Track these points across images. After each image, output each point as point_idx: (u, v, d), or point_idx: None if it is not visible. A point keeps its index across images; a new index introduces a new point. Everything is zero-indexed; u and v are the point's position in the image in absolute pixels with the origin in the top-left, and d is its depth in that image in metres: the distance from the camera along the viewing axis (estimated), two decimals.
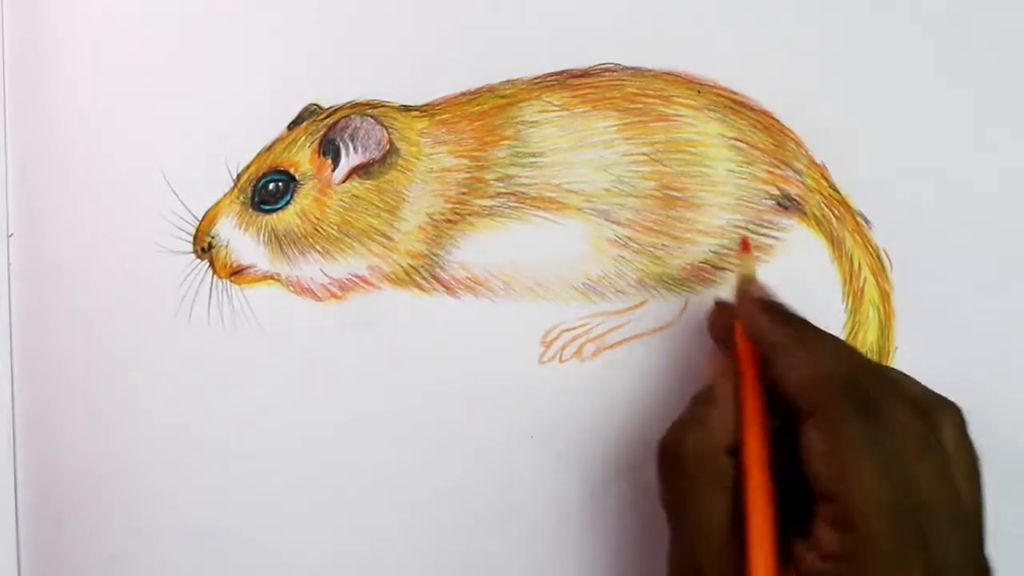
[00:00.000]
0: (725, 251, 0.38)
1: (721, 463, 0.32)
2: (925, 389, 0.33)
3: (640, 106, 0.38)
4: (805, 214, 0.38)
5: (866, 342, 0.38)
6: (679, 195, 0.38)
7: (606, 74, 0.38)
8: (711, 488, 0.32)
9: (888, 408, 0.31)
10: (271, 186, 0.38)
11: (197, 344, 0.38)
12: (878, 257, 0.38)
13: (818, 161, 0.38)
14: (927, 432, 0.31)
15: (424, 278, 0.38)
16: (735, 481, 0.32)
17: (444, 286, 0.38)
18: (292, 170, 0.38)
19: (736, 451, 0.32)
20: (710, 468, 0.32)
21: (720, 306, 0.36)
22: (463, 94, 0.38)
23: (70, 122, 0.39)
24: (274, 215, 0.38)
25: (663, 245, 0.38)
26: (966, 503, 0.32)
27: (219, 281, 0.38)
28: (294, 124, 0.38)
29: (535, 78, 0.38)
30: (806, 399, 0.31)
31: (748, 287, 0.35)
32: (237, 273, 0.38)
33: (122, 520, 0.39)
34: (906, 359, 0.38)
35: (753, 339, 0.33)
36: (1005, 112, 0.39)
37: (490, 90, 0.38)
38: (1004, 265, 0.39)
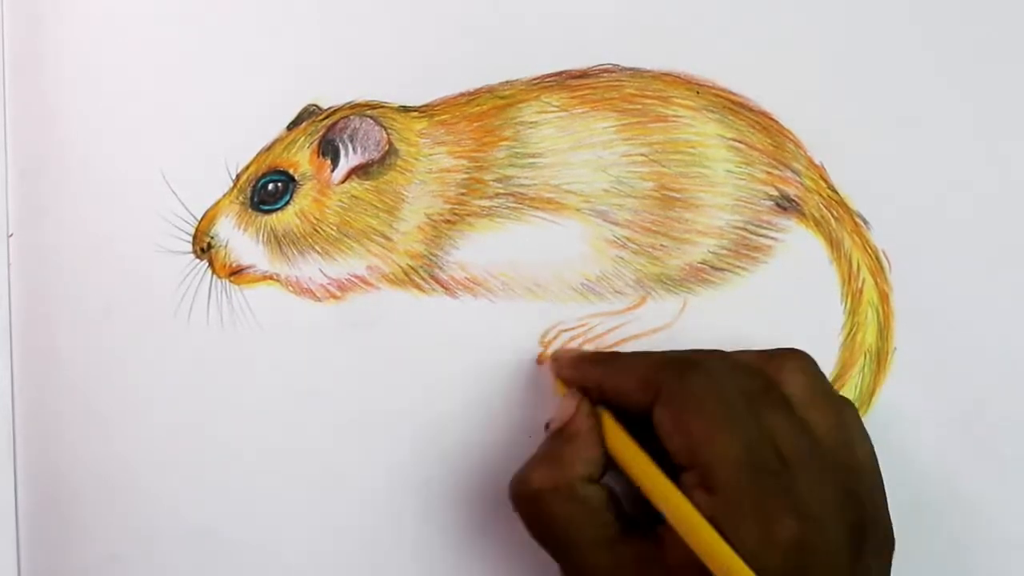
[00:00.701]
0: (724, 252, 0.38)
1: (580, 490, 0.33)
2: (759, 352, 0.34)
3: (639, 107, 0.38)
4: (804, 215, 0.38)
5: (865, 343, 0.38)
6: (678, 196, 0.38)
7: (605, 75, 0.38)
8: (583, 513, 0.32)
9: (720, 371, 0.32)
10: (270, 186, 0.38)
11: (196, 344, 0.38)
12: (877, 258, 0.38)
13: (817, 162, 0.38)
14: (766, 384, 0.32)
15: (423, 278, 0.38)
16: (607, 503, 0.33)
17: (443, 286, 0.38)
18: (291, 170, 0.38)
19: (596, 476, 0.33)
20: (573, 497, 0.33)
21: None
22: (462, 95, 0.38)
23: (70, 122, 0.39)
24: (273, 215, 0.38)
25: (662, 246, 0.38)
26: (827, 443, 0.32)
27: (218, 281, 0.38)
28: (293, 124, 0.38)
29: (534, 79, 0.38)
30: (644, 394, 0.32)
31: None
32: (236, 273, 0.38)
33: (122, 520, 0.39)
34: (906, 359, 0.38)
35: (584, 385, 0.35)
36: (1005, 112, 0.39)
37: (489, 91, 0.38)
38: (1004, 265, 0.39)
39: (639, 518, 0.33)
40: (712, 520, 0.30)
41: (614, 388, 0.34)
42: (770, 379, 0.33)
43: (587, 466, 0.33)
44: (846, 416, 0.33)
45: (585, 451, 0.33)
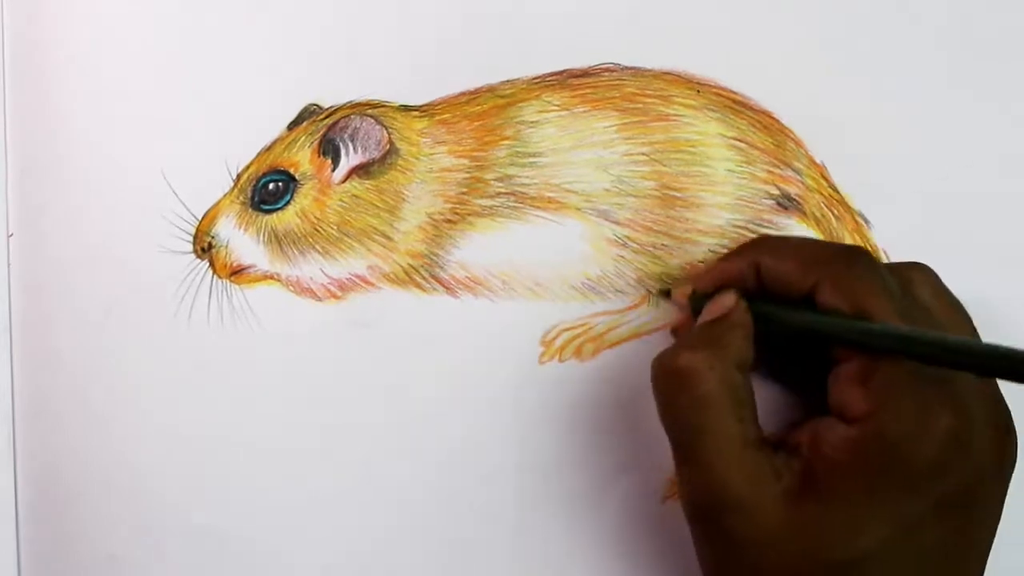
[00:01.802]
0: (725, 251, 0.38)
1: (735, 377, 0.32)
2: (887, 263, 0.35)
3: (640, 106, 0.38)
4: (805, 214, 0.38)
5: None
6: (679, 195, 0.38)
7: (606, 74, 0.38)
8: (731, 401, 0.31)
9: (878, 266, 0.33)
10: (271, 186, 0.38)
11: (197, 344, 0.38)
12: (877, 257, 0.38)
13: (818, 161, 0.38)
14: (906, 288, 0.33)
15: (424, 278, 0.38)
16: (751, 401, 0.32)
17: (444, 286, 0.38)
18: (292, 170, 0.38)
19: (747, 371, 0.32)
20: (727, 380, 0.31)
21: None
22: (463, 94, 0.38)
23: (70, 122, 0.39)
24: (274, 215, 0.38)
25: (663, 245, 0.38)
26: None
27: (219, 281, 0.38)
28: (294, 124, 0.38)
29: (535, 78, 0.38)
30: (807, 276, 0.32)
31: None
32: (237, 273, 0.38)
33: (122, 520, 0.39)
34: None
35: (740, 271, 0.34)
36: (1005, 112, 0.39)
37: (490, 90, 0.38)
38: (1004, 265, 0.39)
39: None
40: (866, 415, 0.30)
41: (774, 268, 0.33)
42: (908, 282, 0.33)
43: (741, 355, 0.32)
44: (972, 328, 0.34)
45: (743, 340, 0.33)
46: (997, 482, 0.32)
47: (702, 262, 0.38)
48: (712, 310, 0.34)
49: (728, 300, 0.34)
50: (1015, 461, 0.33)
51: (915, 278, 0.34)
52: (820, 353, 0.33)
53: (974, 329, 0.34)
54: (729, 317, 0.33)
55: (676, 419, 0.32)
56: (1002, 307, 0.39)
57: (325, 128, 0.38)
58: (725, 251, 0.38)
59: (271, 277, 0.38)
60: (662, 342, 0.38)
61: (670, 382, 0.32)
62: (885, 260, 0.38)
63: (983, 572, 0.32)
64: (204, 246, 0.38)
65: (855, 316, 0.31)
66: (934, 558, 0.30)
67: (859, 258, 0.33)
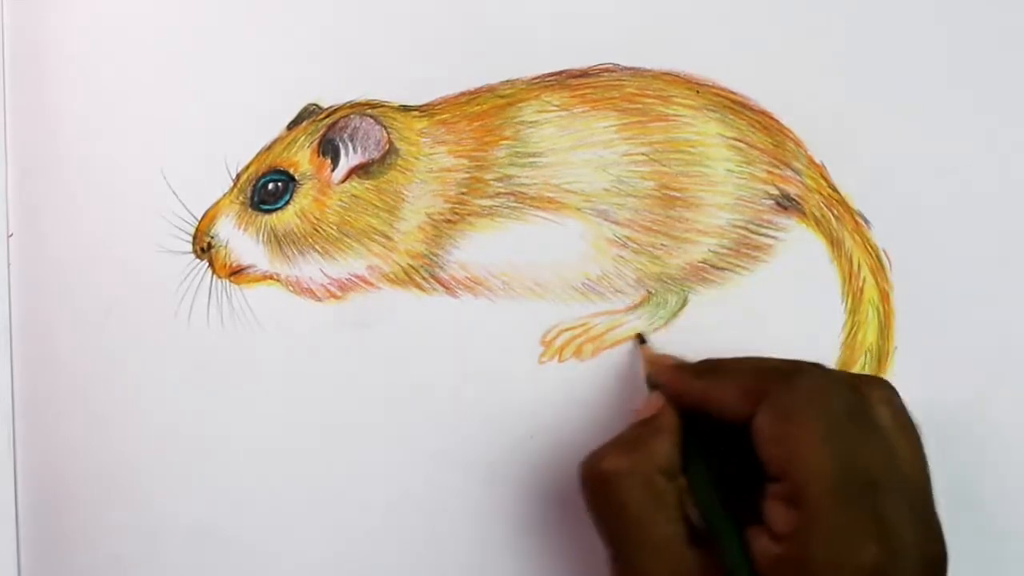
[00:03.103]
0: (725, 251, 0.38)
1: (659, 482, 0.32)
2: (850, 373, 0.35)
3: (639, 106, 0.38)
4: (804, 214, 0.38)
5: (865, 342, 0.38)
6: (678, 195, 0.38)
7: (605, 74, 0.38)
8: (655, 505, 0.32)
9: (823, 384, 0.32)
10: (270, 186, 0.38)
11: (197, 344, 0.38)
12: (877, 257, 0.38)
13: (817, 161, 0.38)
14: (862, 404, 0.32)
15: (423, 278, 0.38)
16: (679, 504, 0.32)
17: (444, 286, 0.38)
18: (291, 170, 0.38)
19: (673, 475, 0.32)
20: (650, 486, 0.32)
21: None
22: (462, 94, 0.38)
23: (70, 122, 0.39)
24: (273, 215, 0.38)
25: (662, 245, 0.38)
26: (910, 472, 0.32)
27: (219, 281, 0.38)
28: (293, 124, 0.39)
29: (534, 78, 0.38)
30: (746, 403, 0.32)
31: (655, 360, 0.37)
32: (237, 273, 0.38)
33: (122, 520, 0.39)
34: (906, 359, 0.38)
35: (681, 396, 0.34)
36: (1005, 112, 0.39)
37: (489, 90, 0.38)
38: (1004, 265, 0.39)
39: (704, 534, 0.32)
40: (791, 536, 0.30)
41: (717, 399, 0.33)
42: (865, 400, 0.32)
43: (667, 460, 0.32)
44: (922, 452, 0.33)
45: (668, 446, 0.33)
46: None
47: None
48: (644, 409, 0.35)
49: (657, 402, 0.34)
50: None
51: (874, 396, 0.33)
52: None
53: (923, 456, 0.33)
54: (655, 421, 0.34)
55: (602, 522, 0.32)
56: (1002, 307, 0.39)
57: (325, 128, 0.38)
58: (725, 251, 0.38)
59: (271, 277, 0.38)
60: (662, 342, 0.38)
61: (593, 486, 0.33)
62: (885, 261, 0.38)
63: None
64: (204, 246, 0.38)
65: (776, 455, 0.31)
66: None
67: (802, 377, 0.32)
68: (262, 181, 0.38)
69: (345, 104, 0.39)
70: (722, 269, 0.38)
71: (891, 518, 0.30)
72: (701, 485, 0.33)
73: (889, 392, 0.33)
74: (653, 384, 0.35)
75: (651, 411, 0.34)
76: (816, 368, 0.33)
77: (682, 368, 0.35)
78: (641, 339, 0.38)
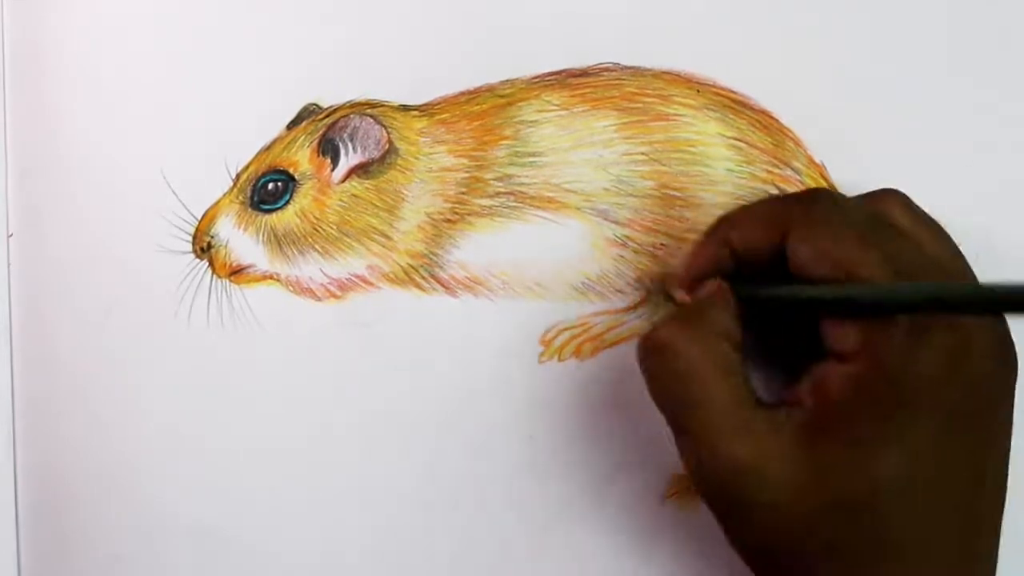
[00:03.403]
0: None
1: (721, 345, 0.31)
2: (858, 195, 0.34)
3: (639, 105, 0.38)
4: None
5: None
6: (678, 194, 0.38)
7: (605, 73, 0.38)
8: (719, 367, 0.31)
9: (843, 206, 0.32)
10: (270, 186, 0.38)
11: (196, 344, 0.38)
12: None
13: (817, 161, 0.38)
14: (875, 212, 0.33)
15: (423, 278, 0.38)
16: (741, 367, 0.32)
17: (443, 286, 0.38)
18: (291, 170, 0.38)
19: (736, 344, 0.32)
20: (712, 349, 0.31)
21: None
22: (462, 93, 0.38)
23: (70, 122, 0.39)
24: (273, 215, 0.38)
25: (662, 245, 0.38)
26: (950, 265, 0.33)
27: (218, 281, 0.38)
28: (293, 124, 0.39)
29: (534, 77, 0.38)
30: (774, 232, 0.32)
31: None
32: (236, 273, 0.38)
33: (122, 520, 0.39)
34: None
35: (716, 254, 0.34)
36: (1005, 112, 0.39)
37: (489, 89, 0.38)
38: (1004, 265, 0.39)
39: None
40: (859, 350, 0.30)
41: (742, 241, 0.33)
42: (880, 211, 0.33)
43: (725, 329, 0.32)
44: (952, 244, 0.34)
45: (725, 315, 0.32)
46: (1002, 397, 0.31)
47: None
48: (696, 296, 0.34)
49: (711, 286, 0.34)
50: (1016, 374, 0.32)
51: (887, 204, 0.33)
52: (812, 312, 0.32)
53: (955, 247, 0.34)
54: (710, 293, 0.33)
55: (663, 393, 0.32)
56: None
57: (324, 128, 0.38)
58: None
59: (270, 277, 0.38)
60: None
61: (652, 358, 0.32)
62: None
63: (1001, 502, 0.32)
64: (203, 246, 0.38)
65: (828, 270, 0.31)
66: (947, 483, 0.30)
67: (817, 201, 0.33)
68: (262, 181, 0.38)
69: (345, 104, 0.39)
70: None
71: (953, 304, 0.30)
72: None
73: (899, 198, 0.34)
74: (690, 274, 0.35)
75: (706, 290, 0.34)
76: (826, 191, 0.35)
77: (704, 237, 0.35)
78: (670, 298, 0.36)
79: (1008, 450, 0.32)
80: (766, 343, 0.35)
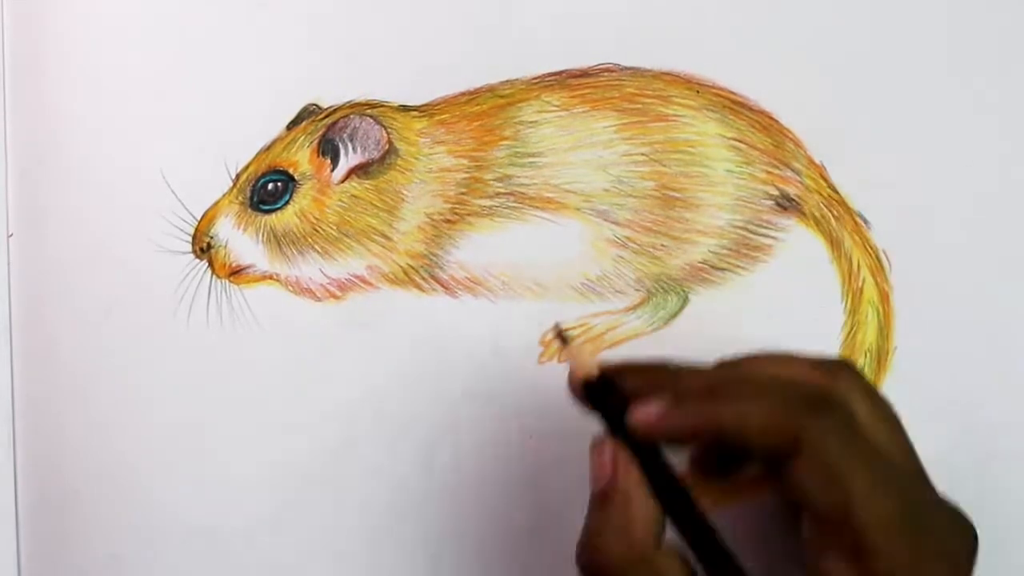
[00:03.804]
0: (724, 251, 0.38)
1: (656, 564, 0.29)
2: (812, 361, 0.31)
3: (639, 106, 0.38)
4: (804, 214, 0.38)
5: (865, 342, 0.38)
6: (678, 195, 0.38)
7: (605, 74, 0.38)
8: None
9: (850, 408, 0.29)
10: (270, 186, 0.38)
11: (196, 344, 0.38)
12: (877, 257, 0.38)
13: (817, 161, 0.38)
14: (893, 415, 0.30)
15: (423, 278, 0.38)
16: (681, 564, 0.29)
17: (443, 286, 0.38)
18: (291, 170, 0.38)
19: (662, 538, 0.29)
20: (650, 572, 0.29)
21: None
22: (462, 94, 0.38)
23: (70, 122, 0.39)
24: (273, 215, 0.38)
25: (662, 245, 0.38)
26: (909, 467, 0.30)
27: (218, 281, 0.38)
28: (293, 124, 0.39)
29: (534, 78, 0.38)
30: (781, 439, 0.28)
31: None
32: (236, 273, 0.38)
33: (122, 520, 0.39)
34: (906, 359, 0.38)
35: (693, 428, 0.29)
36: (1005, 111, 0.39)
37: (489, 90, 0.38)
38: (1004, 265, 0.39)
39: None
40: None
41: (737, 431, 0.29)
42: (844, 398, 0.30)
43: (654, 525, 0.29)
44: (902, 428, 0.31)
45: (647, 509, 0.29)
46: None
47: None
48: (599, 478, 0.30)
49: (604, 464, 0.30)
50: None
51: (843, 389, 0.30)
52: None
53: (904, 431, 0.31)
54: (618, 486, 0.30)
55: None
56: (1003, 307, 0.39)
57: (324, 128, 0.38)
58: (725, 252, 0.38)
59: (270, 277, 0.38)
60: (661, 343, 0.38)
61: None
62: (885, 262, 0.38)
63: None
64: (203, 246, 0.38)
65: (837, 498, 0.28)
66: None
67: (833, 415, 0.28)
68: (262, 181, 0.38)
69: (345, 104, 0.39)
70: (722, 269, 0.38)
71: (941, 532, 0.29)
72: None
73: (855, 380, 0.30)
74: (595, 394, 0.31)
75: (605, 476, 0.30)
76: (839, 398, 0.30)
77: (689, 393, 0.30)
78: (563, 339, 0.33)
79: None
80: None
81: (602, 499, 0.30)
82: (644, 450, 0.30)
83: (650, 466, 0.29)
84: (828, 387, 0.30)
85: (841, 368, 0.31)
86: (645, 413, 0.29)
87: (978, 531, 0.31)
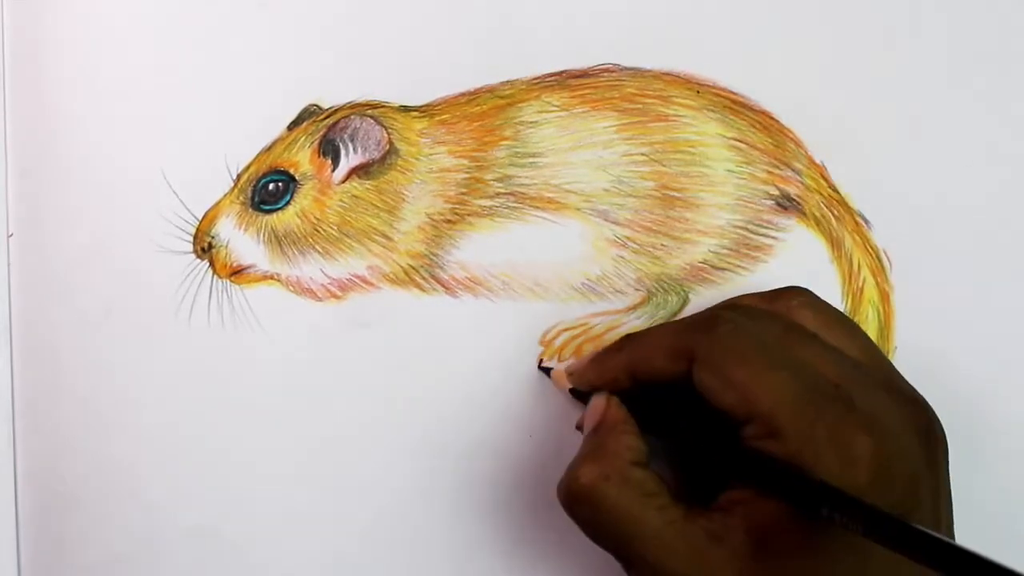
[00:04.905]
0: (725, 251, 0.38)
1: (635, 474, 0.32)
2: (759, 295, 0.35)
3: (639, 106, 0.38)
4: (804, 214, 0.38)
5: None
6: (678, 195, 0.38)
7: (605, 74, 0.38)
8: (642, 498, 0.31)
9: (743, 320, 0.32)
10: (271, 186, 0.38)
11: (197, 344, 0.38)
12: (878, 257, 0.38)
13: (817, 161, 0.38)
14: (786, 323, 0.32)
15: (424, 278, 0.38)
16: (661, 485, 0.32)
17: (444, 286, 0.38)
18: (292, 170, 0.38)
19: (646, 463, 0.32)
20: (628, 482, 0.31)
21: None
22: (462, 94, 0.38)
23: (70, 122, 0.39)
24: (274, 215, 0.38)
25: (662, 245, 0.38)
26: (864, 361, 0.32)
27: (219, 281, 0.38)
28: (294, 124, 0.39)
29: (534, 78, 0.38)
30: (678, 362, 0.32)
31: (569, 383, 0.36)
32: (237, 273, 0.38)
33: (122, 520, 0.39)
34: (906, 359, 0.38)
35: (611, 377, 0.34)
36: (1005, 112, 0.39)
37: (489, 90, 0.38)
38: (1004, 265, 0.39)
39: (694, 498, 0.32)
40: (790, 460, 0.29)
41: (646, 366, 0.33)
42: (787, 318, 0.33)
43: (632, 452, 0.32)
44: (864, 336, 0.34)
45: (627, 438, 0.33)
46: (931, 478, 0.31)
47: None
48: (590, 417, 0.34)
49: (599, 405, 0.34)
50: (947, 451, 0.33)
51: (794, 310, 0.33)
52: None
53: (867, 338, 0.34)
54: (605, 420, 0.33)
55: (599, 535, 0.32)
56: (1003, 307, 0.39)
57: (325, 128, 0.38)
58: (725, 251, 0.38)
59: (271, 277, 0.38)
60: None
61: (577, 505, 0.32)
62: (886, 262, 0.38)
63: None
64: (204, 246, 0.38)
65: (735, 400, 0.30)
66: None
67: (718, 325, 0.32)
68: (262, 181, 0.38)
69: (345, 104, 0.39)
70: (722, 269, 0.38)
71: (869, 406, 0.30)
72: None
73: (806, 296, 0.34)
74: (583, 392, 0.35)
75: (596, 416, 0.34)
76: (728, 309, 0.34)
77: (599, 353, 0.35)
78: (546, 371, 0.38)
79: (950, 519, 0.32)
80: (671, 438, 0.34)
81: (589, 436, 0.34)
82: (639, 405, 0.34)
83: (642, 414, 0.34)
84: (716, 310, 0.34)
85: (785, 290, 0.35)
86: (558, 370, 0.37)
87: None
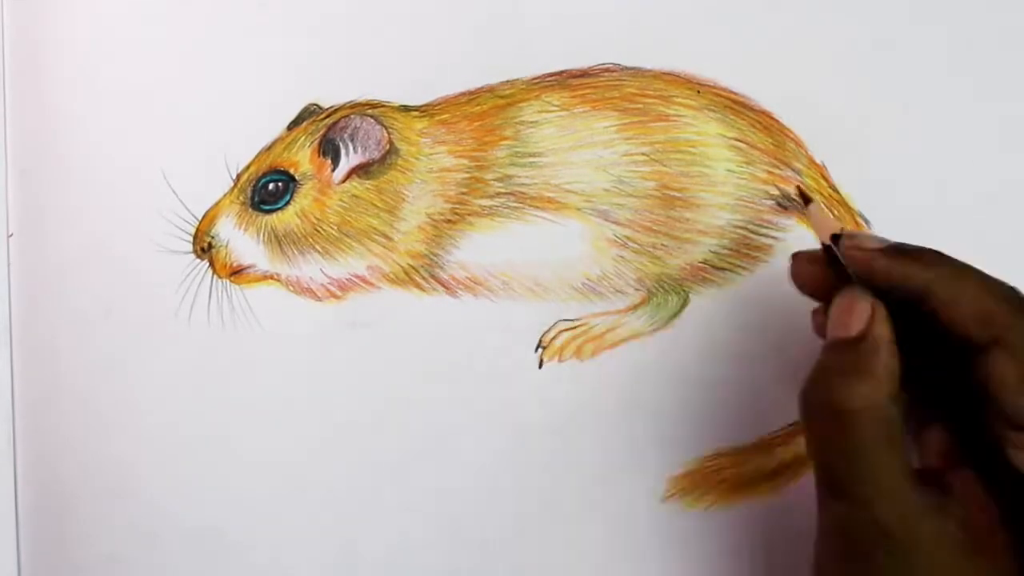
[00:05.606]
0: (725, 251, 0.38)
1: (893, 415, 0.29)
2: None
3: (640, 106, 0.38)
4: (804, 214, 0.38)
5: None
6: (679, 195, 0.38)
7: (605, 74, 0.38)
8: (891, 447, 0.29)
9: None
10: (271, 186, 0.38)
11: (197, 344, 0.38)
12: None
13: (818, 161, 0.38)
14: None
15: (424, 278, 0.38)
16: (901, 428, 0.30)
17: (444, 286, 0.38)
18: (292, 170, 0.38)
19: (899, 397, 0.30)
20: (886, 423, 0.29)
21: (805, 258, 0.33)
22: (463, 94, 0.38)
23: (70, 122, 0.39)
24: (274, 215, 0.38)
25: (663, 245, 0.38)
26: None
27: (219, 281, 0.38)
28: (294, 124, 0.39)
29: (535, 78, 0.38)
30: (980, 329, 0.29)
31: (836, 232, 0.32)
32: (237, 273, 0.38)
33: (122, 520, 0.39)
34: None
35: (890, 281, 0.30)
36: (1005, 112, 0.39)
37: (490, 90, 0.38)
38: (1004, 265, 0.39)
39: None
40: None
41: (946, 309, 0.29)
42: None
43: (894, 384, 0.29)
44: None
45: (893, 362, 0.30)
46: None
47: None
48: (856, 318, 0.31)
49: (865, 308, 0.30)
50: None
51: None
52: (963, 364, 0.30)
53: None
54: (873, 335, 0.30)
55: (834, 459, 0.30)
56: None
57: (325, 128, 0.38)
58: (726, 251, 0.38)
59: (271, 277, 0.38)
60: (661, 343, 0.38)
61: (825, 423, 0.30)
62: None
63: None
64: (204, 246, 0.38)
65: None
66: None
67: None
68: (262, 181, 0.38)
69: (345, 104, 0.39)
70: (722, 269, 0.38)
71: None
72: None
73: None
74: (840, 266, 0.31)
75: (861, 323, 0.30)
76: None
77: (903, 253, 0.31)
78: (806, 198, 0.33)
79: None
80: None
81: (849, 344, 0.30)
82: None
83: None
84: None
85: None
86: (860, 242, 0.31)
87: None
